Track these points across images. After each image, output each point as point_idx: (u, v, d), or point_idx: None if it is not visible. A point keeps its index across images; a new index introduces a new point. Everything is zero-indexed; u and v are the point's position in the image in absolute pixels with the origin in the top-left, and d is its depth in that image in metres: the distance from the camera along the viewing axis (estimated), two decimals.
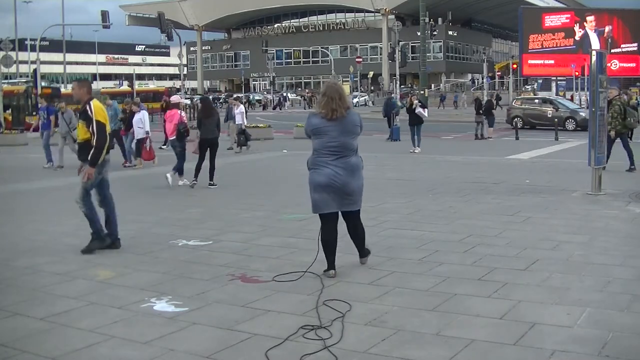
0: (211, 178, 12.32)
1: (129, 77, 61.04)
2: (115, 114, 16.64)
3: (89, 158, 7.02)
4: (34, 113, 34.02)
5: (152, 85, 76.42)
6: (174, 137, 12.80)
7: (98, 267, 6.51)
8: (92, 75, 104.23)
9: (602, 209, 9.38)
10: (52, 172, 15.63)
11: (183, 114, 13.17)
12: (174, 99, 16.28)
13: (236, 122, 20.97)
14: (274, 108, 62.24)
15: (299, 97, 71.77)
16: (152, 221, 9.00)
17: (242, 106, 21.97)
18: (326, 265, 6.06)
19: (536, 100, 33.65)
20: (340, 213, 6.13)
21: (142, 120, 16.01)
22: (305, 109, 61.72)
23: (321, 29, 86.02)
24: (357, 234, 6.30)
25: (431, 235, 7.70)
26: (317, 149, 6.00)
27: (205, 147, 12.34)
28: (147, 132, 15.96)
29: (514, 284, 5.65)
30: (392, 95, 30.81)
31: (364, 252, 6.42)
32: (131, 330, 4.71)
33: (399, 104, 29.08)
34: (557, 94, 56.82)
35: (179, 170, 12.55)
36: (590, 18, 58.44)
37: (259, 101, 68.26)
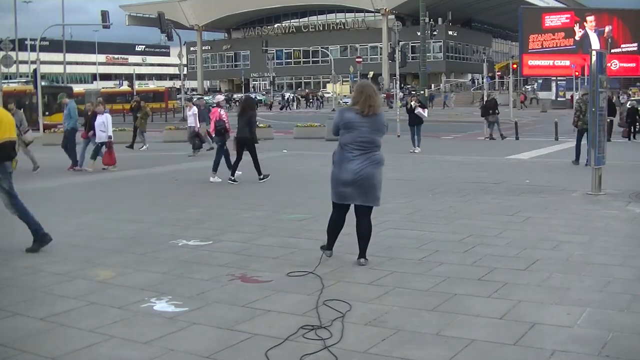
0: (259, 173, 12.92)
1: (129, 77, 61.03)
2: (69, 113, 16.20)
3: None
4: (46, 113, 33.98)
5: (152, 85, 76.42)
6: (214, 133, 13.95)
7: (98, 267, 6.50)
8: (92, 75, 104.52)
9: (602, 209, 9.38)
10: (53, 172, 15.60)
11: (223, 112, 13.84)
12: (217, 98, 16.66)
13: (189, 125, 20.02)
14: (282, 108, 61.78)
15: (297, 97, 71.74)
16: (152, 221, 9.00)
17: (195, 108, 20.47)
18: (326, 245, 6.59)
19: None
20: (353, 208, 6.41)
21: (104, 124, 15.50)
22: (300, 108, 61.61)
23: (321, 29, 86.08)
24: (367, 231, 6.41)
25: (431, 235, 7.70)
26: (346, 143, 6.23)
27: (239, 145, 12.91)
28: (109, 137, 15.56)
29: (514, 284, 5.65)
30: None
31: (365, 252, 6.45)
32: (131, 330, 4.71)
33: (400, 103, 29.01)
34: (557, 94, 56.93)
35: (213, 165, 13.30)
36: (590, 18, 58.53)
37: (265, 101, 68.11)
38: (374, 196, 6.29)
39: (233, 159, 13.13)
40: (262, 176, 12.87)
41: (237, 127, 12.90)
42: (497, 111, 24.90)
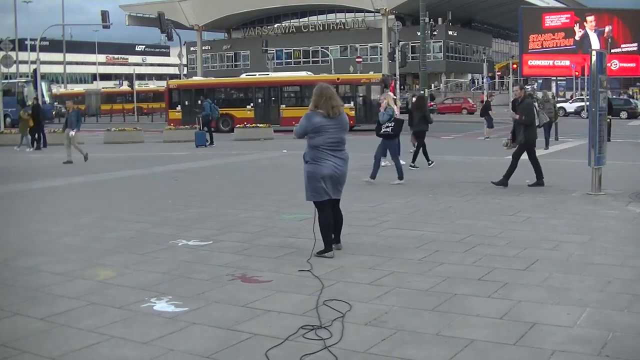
0: (427, 159, 15.17)
1: (129, 77, 61.10)
2: None
3: None
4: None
5: (152, 85, 76.38)
6: None
7: (98, 267, 6.50)
8: (92, 75, 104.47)
9: (602, 209, 9.38)
10: (53, 172, 15.61)
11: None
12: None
13: None
14: None
15: None
16: (152, 221, 9.00)
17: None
18: (324, 249, 6.70)
19: None
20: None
21: None
22: None
23: (321, 29, 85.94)
24: (341, 219, 6.95)
25: (431, 235, 7.70)
26: (317, 145, 6.54)
27: (416, 136, 15.15)
28: None
29: (514, 284, 5.65)
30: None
31: (340, 238, 6.90)
32: (131, 330, 4.71)
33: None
34: (557, 94, 56.97)
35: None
36: (590, 18, 58.55)
37: None
38: (341, 190, 6.81)
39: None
40: (430, 162, 14.96)
41: (412, 122, 15.35)
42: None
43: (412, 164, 14.75)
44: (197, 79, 44.28)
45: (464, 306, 5.10)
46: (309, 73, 38.44)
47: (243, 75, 38.57)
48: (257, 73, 37.67)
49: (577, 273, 5.98)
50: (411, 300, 5.28)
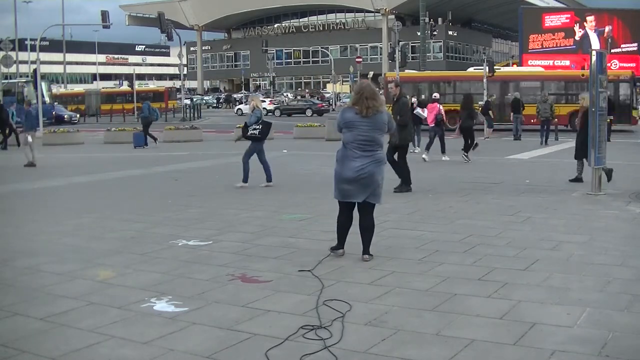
0: (466, 150, 16.32)
1: (129, 77, 60.99)
2: None
3: None
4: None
5: (152, 85, 76.40)
6: (434, 124, 16.94)
7: (98, 267, 6.50)
8: (92, 75, 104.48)
9: (602, 209, 9.38)
10: (53, 172, 15.60)
11: (441, 107, 17.14)
12: (435, 96, 18.62)
13: None
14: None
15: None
16: (152, 221, 8.99)
17: None
18: (336, 245, 6.68)
19: None
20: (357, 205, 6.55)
21: None
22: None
23: (321, 29, 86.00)
24: (369, 227, 6.54)
25: (431, 235, 7.70)
26: (347, 142, 6.39)
27: (464, 132, 16.55)
28: None
29: (514, 284, 5.65)
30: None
31: (368, 248, 6.55)
32: (131, 330, 4.71)
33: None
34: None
35: (427, 148, 16.83)
36: (590, 18, 58.51)
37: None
38: (375, 193, 6.43)
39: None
40: (466, 157, 16.09)
41: (461, 119, 16.85)
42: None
43: (465, 155, 16.12)
44: (410, 71, 38.74)
45: (464, 306, 5.10)
46: (541, 68, 35.66)
47: (470, 69, 35.64)
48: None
49: (577, 273, 5.98)
50: (411, 300, 5.28)
